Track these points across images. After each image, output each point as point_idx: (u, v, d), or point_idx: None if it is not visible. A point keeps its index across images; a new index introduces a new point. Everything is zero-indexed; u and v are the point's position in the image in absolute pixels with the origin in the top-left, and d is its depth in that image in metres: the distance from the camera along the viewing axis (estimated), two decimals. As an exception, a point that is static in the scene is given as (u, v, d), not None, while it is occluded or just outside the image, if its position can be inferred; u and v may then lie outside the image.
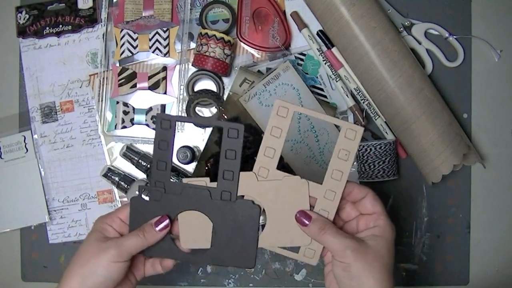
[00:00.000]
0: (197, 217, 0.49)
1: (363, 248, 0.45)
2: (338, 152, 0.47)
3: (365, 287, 0.44)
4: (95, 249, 0.47)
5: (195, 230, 0.49)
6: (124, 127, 0.70)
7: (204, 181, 0.48)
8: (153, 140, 0.48)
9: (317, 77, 0.71)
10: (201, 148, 0.70)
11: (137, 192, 0.67)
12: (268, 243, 0.49)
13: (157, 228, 0.48)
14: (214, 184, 0.48)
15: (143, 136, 0.70)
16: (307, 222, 0.46)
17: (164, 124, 0.48)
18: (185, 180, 0.49)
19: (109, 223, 0.50)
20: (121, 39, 0.70)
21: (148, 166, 0.69)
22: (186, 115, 0.70)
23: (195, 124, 0.70)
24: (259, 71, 0.70)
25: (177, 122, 0.69)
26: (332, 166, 0.47)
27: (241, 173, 0.48)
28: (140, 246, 0.48)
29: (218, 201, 0.48)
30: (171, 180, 0.48)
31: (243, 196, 0.48)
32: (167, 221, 0.48)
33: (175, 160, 0.69)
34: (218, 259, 0.49)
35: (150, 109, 0.70)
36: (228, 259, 0.49)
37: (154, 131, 0.69)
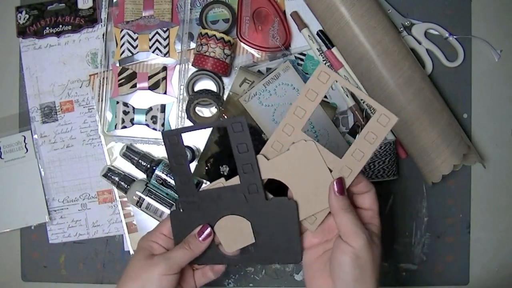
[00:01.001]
0: (235, 219, 0.49)
1: (371, 242, 0.44)
2: (366, 133, 0.46)
3: (365, 279, 0.44)
4: (144, 265, 0.48)
5: (235, 232, 0.49)
6: (124, 127, 0.70)
7: (221, 183, 0.49)
8: (168, 158, 0.49)
9: (317, 77, 0.71)
10: (201, 148, 0.70)
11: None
12: (303, 215, 0.48)
13: (201, 238, 0.49)
14: (236, 181, 0.48)
15: (143, 136, 0.70)
16: (340, 193, 0.45)
17: (172, 140, 0.48)
18: (202, 188, 0.49)
19: (154, 240, 0.50)
20: (121, 39, 0.70)
21: (148, 166, 0.69)
22: (186, 115, 0.70)
23: (192, 122, 0.70)
24: (259, 71, 0.70)
25: (176, 117, 0.69)
26: (356, 145, 0.47)
27: None
28: (188, 257, 0.48)
29: (252, 202, 0.48)
30: (199, 190, 0.49)
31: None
32: (208, 230, 0.49)
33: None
34: (264, 258, 0.50)
35: (150, 109, 0.70)
36: (275, 256, 0.49)
37: (146, 134, 0.69)
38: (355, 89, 0.47)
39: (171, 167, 0.49)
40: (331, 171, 0.47)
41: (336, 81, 0.48)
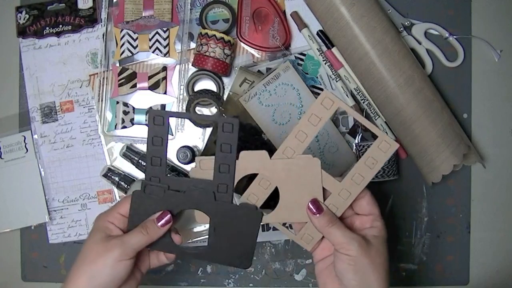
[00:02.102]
0: (197, 214, 0.50)
1: (367, 245, 0.46)
2: (367, 158, 0.48)
3: (368, 282, 0.45)
4: (100, 248, 0.47)
5: (191, 225, 0.50)
6: (124, 127, 0.70)
7: (199, 167, 0.49)
8: (147, 136, 0.48)
9: (317, 77, 0.71)
10: (201, 148, 0.70)
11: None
12: (278, 219, 0.50)
13: (159, 224, 0.48)
14: (210, 177, 0.48)
15: (143, 136, 0.70)
16: (317, 212, 0.47)
17: (157, 120, 0.48)
18: (197, 159, 0.49)
19: (111, 220, 0.50)
20: (121, 39, 0.70)
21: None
22: (186, 115, 0.70)
23: (191, 121, 0.70)
24: (259, 71, 0.70)
25: (176, 119, 0.69)
26: (356, 169, 0.48)
27: (253, 151, 0.48)
28: (144, 242, 0.48)
29: (221, 202, 0.48)
30: (168, 175, 0.49)
31: (256, 174, 0.48)
32: (168, 216, 0.49)
33: (175, 160, 0.69)
34: (215, 257, 0.50)
35: (150, 109, 0.70)
36: (225, 258, 0.50)
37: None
38: (358, 116, 0.48)
39: (147, 146, 0.48)
40: (329, 193, 0.48)
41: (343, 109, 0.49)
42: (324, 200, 0.49)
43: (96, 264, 0.46)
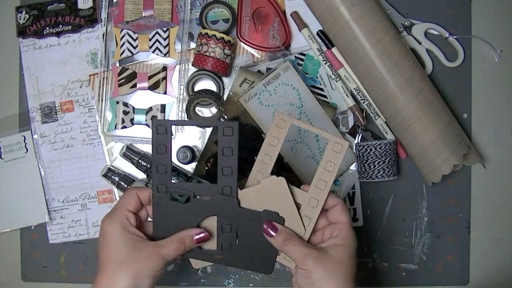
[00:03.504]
0: (216, 221, 0.51)
1: (323, 257, 0.48)
2: (325, 163, 0.50)
3: None
4: (135, 256, 0.48)
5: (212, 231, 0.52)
6: (124, 127, 0.70)
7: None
8: (151, 145, 0.49)
9: (317, 77, 0.71)
10: (201, 148, 0.70)
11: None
12: None
13: (196, 239, 0.50)
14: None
15: (143, 136, 0.70)
16: (273, 233, 0.49)
17: (160, 129, 0.49)
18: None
19: (127, 221, 0.50)
20: (121, 39, 0.70)
21: (148, 166, 0.69)
22: (186, 115, 0.70)
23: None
24: (259, 71, 0.70)
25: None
26: (317, 176, 0.50)
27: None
28: (179, 253, 0.50)
29: (243, 209, 0.50)
30: (174, 182, 0.50)
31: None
32: (205, 235, 0.50)
33: (175, 160, 0.69)
34: (239, 263, 0.52)
35: (150, 109, 0.70)
36: (249, 263, 0.51)
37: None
38: (308, 126, 0.51)
39: (152, 154, 0.50)
40: (300, 205, 0.50)
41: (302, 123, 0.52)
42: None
43: (140, 274, 0.48)
